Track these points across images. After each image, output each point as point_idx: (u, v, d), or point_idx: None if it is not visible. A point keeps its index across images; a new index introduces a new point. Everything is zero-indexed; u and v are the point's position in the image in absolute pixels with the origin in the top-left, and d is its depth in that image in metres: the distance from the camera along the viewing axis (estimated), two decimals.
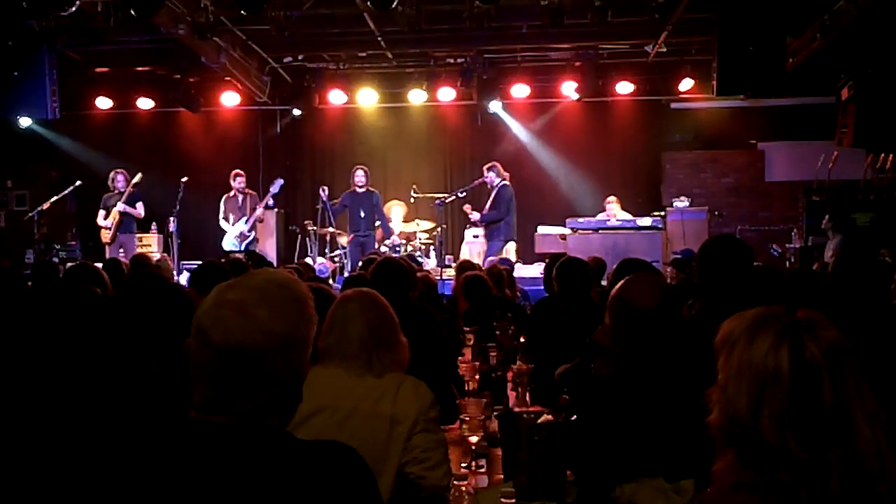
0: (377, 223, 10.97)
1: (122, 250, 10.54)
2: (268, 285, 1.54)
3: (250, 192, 11.13)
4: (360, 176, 10.76)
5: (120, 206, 10.73)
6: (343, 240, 11.07)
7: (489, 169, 10.79)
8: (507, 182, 10.70)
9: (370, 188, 10.87)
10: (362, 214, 10.65)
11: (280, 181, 11.23)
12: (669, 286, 4.71)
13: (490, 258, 9.73)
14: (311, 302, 1.57)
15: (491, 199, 10.68)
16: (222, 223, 10.97)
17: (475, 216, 10.76)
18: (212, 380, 1.48)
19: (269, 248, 11.98)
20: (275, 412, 1.52)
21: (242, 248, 10.62)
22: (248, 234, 10.87)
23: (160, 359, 3.09)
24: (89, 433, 2.78)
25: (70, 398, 3.03)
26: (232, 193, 11.03)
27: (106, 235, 10.86)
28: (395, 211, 11.71)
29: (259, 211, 10.94)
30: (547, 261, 6.01)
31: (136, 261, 7.44)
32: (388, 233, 11.10)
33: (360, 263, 7.16)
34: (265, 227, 12.09)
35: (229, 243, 10.92)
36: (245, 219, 10.86)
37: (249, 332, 1.46)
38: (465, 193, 11.45)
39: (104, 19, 9.03)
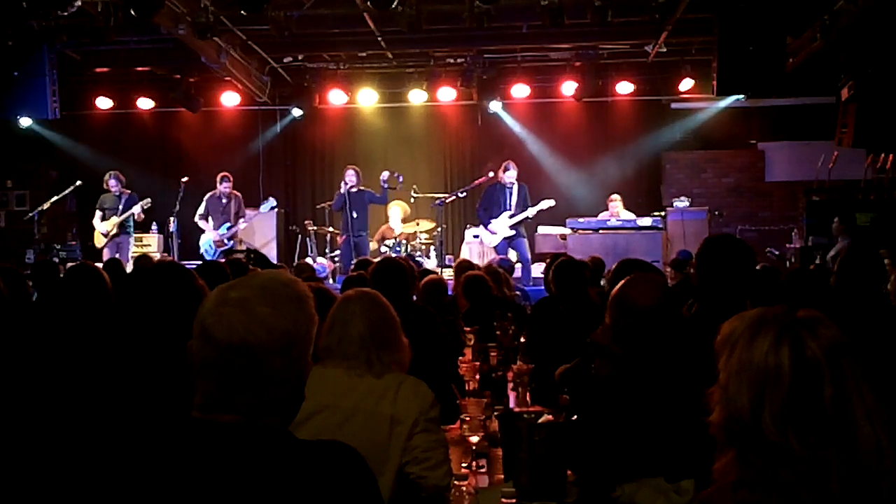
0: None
1: (117, 252, 10.53)
2: (270, 283, 1.55)
3: (235, 193, 11.12)
4: (350, 175, 10.72)
5: (117, 220, 10.71)
6: (339, 240, 11.07)
7: (512, 167, 10.53)
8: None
9: (361, 187, 10.82)
10: (355, 215, 10.60)
11: (272, 202, 11.29)
12: (670, 286, 4.71)
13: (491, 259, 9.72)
14: (311, 301, 1.58)
15: (516, 197, 10.42)
16: (198, 220, 10.99)
17: (531, 213, 10.39)
18: (215, 378, 1.49)
19: (269, 249, 11.99)
20: (277, 411, 1.52)
21: (216, 255, 10.60)
22: (227, 242, 10.87)
23: (162, 359, 3.10)
24: (92, 433, 2.79)
25: (74, 399, 3.04)
26: (216, 194, 11.03)
27: (100, 240, 10.84)
28: (395, 211, 11.69)
29: (242, 224, 10.96)
30: (548, 261, 6.01)
31: (139, 263, 7.46)
32: (384, 198, 10.97)
33: (353, 264, 7.12)
34: (265, 228, 12.10)
35: (205, 244, 10.92)
36: (228, 225, 10.87)
37: (253, 329, 1.47)
38: (465, 193, 11.45)
39: (104, 19, 9.02)
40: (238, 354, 1.47)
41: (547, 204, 10.44)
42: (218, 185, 11.04)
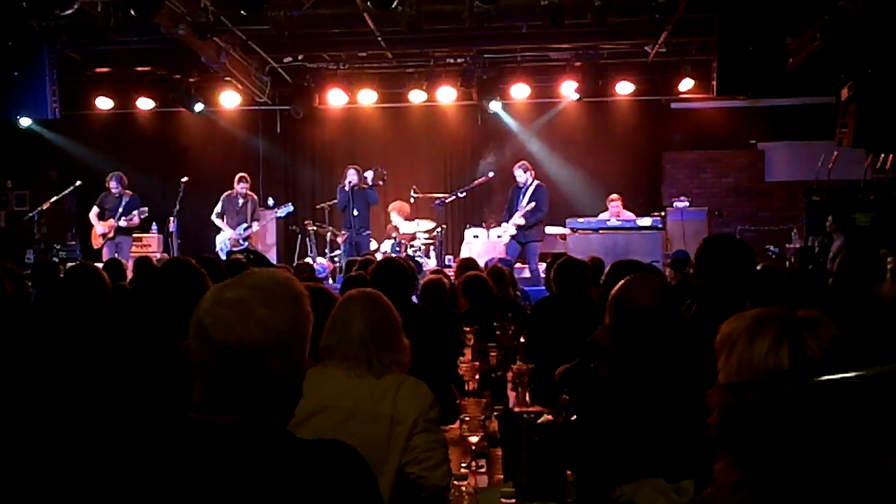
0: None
1: (116, 253, 10.52)
2: (266, 283, 1.54)
3: (252, 195, 11.21)
4: (352, 174, 10.74)
5: (120, 222, 10.69)
6: (340, 239, 11.10)
7: (521, 168, 10.57)
8: (539, 181, 10.62)
9: (363, 186, 10.83)
10: (356, 213, 10.61)
11: (290, 207, 11.42)
12: (670, 286, 4.71)
13: (488, 259, 9.69)
14: (307, 299, 1.58)
15: (528, 198, 10.39)
16: (215, 219, 11.06)
17: (520, 221, 10.34)
18: (212, 379, 1.48)
19: (269, 249, 11.99)
20: (275, 410, 1.52)
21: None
22: (242, 242, 10.96)
23: (162, 359, 3.10)
24: (91, 433, 2.79)
25: (73, 399, 3.03)
26: (233, 194, 11.11)
27: (98, 241, 10.84)
28: (397, 211, 11.72)
29: (256, 226, 11.04)
30: (549, 261, 6.01)
31: (141, 263, 7.45)
32: (375, 196, 10.94)
33: (357, 263, 7.10)
34: (265, 227, 12.10)
35: (221, 242, 10.99)
36: (244, 225, 10.95)
37: (250, 330, 1.47)
38: (465, 193, 11.45)
39: (104, 19, 9.02)
40: (236, 355, 1.46)
41: (523, 210, 10.37)
42: (235, 185, 11.17)
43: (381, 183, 11.12)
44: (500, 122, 12.93)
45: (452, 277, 6.84)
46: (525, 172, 10.54)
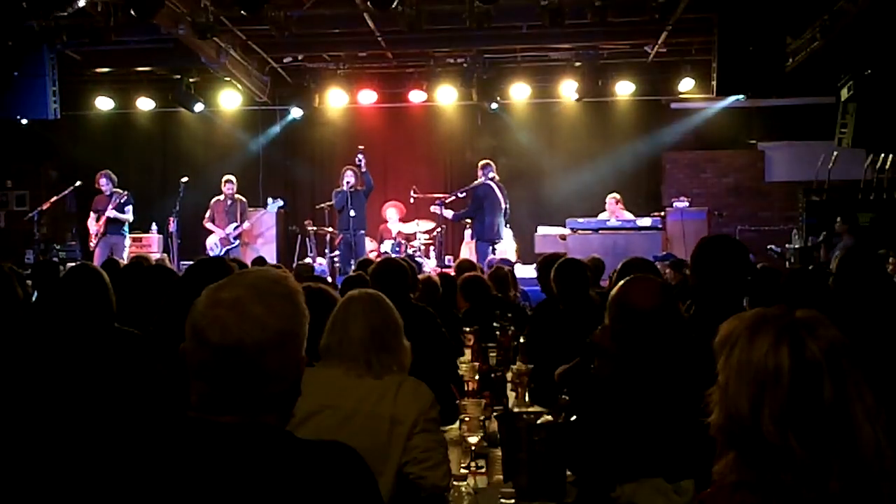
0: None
1: (111, 253, 10.51)
2: (260, 282, 1.54)
3: (240, 198, 11.29)
4: (349, 175, 10.73)
5: (110, 213, 10.71)
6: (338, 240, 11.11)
7: (481, 168, 10.80)
8: (488, 181, 10.66)
9: (358, 187, 10.82)
10: (353, 213, 10.61)
11: (280, 202, 11.47)
12: (670, 286, 4.71)
13: (489, 259, 9.70)
14: (302, 297, 1.58)
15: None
16: (207, 224, 11.15)
17: (448, 214, 10.94)
18: (210, 379, 1.48)
19: (268, 249, 11.99)
20: (274, 409, 1.52)
21: (222, 253, 10.68)
22: (232, 241, 11.01)
23: (164, 359, 3.10)
24: (91, 434, 2.79)
25: (73, 399, 3.04)
26: (221, 197, 11.21)
27: (92, 240, 10.85)
28: (392, 211, 11.74)
29: (246, 224, 11.10)
30: (540, 261, 5.99)
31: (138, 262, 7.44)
32: (370, 181, 10.97)
33: (353, 263, 7.13)
34: (265, 228, 12.12)
35: (212, 244, 11.04)
36: (235, 225, 11.00)
37: (247, 329, 1.46)
38: (465, 194, 11.44)
39: (104, 19, 9.04)
40: (233, 355, 1.46)
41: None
42: (222, 187, 11.26)
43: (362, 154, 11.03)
44: (500, 122, 12.93)
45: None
46: (479, 170, 10.70)
